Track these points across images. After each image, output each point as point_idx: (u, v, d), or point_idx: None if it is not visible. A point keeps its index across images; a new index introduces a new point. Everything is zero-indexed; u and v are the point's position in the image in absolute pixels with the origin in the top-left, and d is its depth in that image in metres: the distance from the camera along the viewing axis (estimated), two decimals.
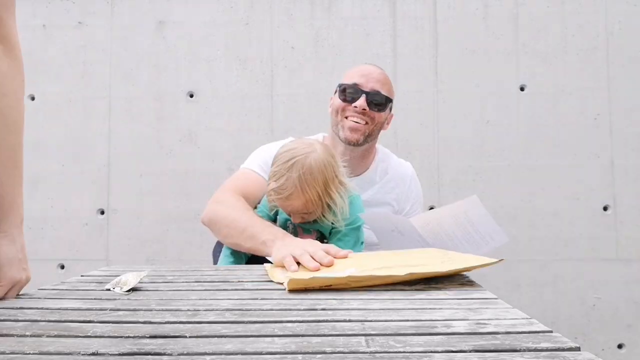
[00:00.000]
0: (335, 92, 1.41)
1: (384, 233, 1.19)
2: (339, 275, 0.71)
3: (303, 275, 0.73)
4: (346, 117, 1.35)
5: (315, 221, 1.12)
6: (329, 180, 1.05)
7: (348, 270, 0.74)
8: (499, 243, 1.11)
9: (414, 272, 0.72)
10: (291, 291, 0.70)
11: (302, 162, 1.03)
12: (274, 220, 1.23)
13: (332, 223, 1.10)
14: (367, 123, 1.34)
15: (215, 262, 1.40)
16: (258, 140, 2.03)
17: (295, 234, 1.15)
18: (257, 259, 1.16)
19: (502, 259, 0.79)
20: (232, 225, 1.16)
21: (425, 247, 1.11)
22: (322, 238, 1.15)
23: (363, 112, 1.32)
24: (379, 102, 1.34)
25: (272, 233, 1.07)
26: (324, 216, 1.09)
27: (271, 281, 0.80)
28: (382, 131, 1.42)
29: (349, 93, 1.34)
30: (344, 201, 1.08)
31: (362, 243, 1.18)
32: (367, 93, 1.33)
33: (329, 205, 1.07)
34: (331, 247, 0.92)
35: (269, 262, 1.09)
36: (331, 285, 0.71)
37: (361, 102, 1.32)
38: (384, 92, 1.35)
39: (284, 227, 1.17)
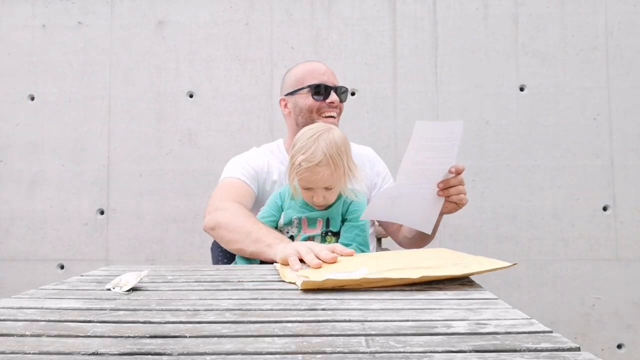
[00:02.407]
0: (294, 94, 1.46)
1: (386, 212, 1.20)
2: (352, 278, 0.72)
3: (316, 277, 0.73)
4: (321, 114, 1.42)
5: (327, 208, 1.16)
6: (349, 153, 1.14)
7: (360, 271, 0.75)
8: (460, 131, 1.12)
9: (427, 274, 0.72)
10: (303, 290, 0.70)
11: (327, 135, 1.12)
12: (277, 221, 1.23)
13: (351, 200, 1.16)
14: (337, 115, 1.45)
15: (214, 260, 1.41)
16: (258, 140, 2.04)
17: (300, 227, 1.16)
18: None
19: (515, 264, 0.79)
20: (237, 230, 1.16)
21: (424, 187, 1.15)
22: (327, 231, 1.15)
23: (335, 106, 1.43)
24: (343, 93, 1.46)
25: (277, 237, 1.09)
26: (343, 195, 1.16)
27: (271, 281, 0.80)
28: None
29: (319, 92, 1.43)
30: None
31: (367, 247, 1.20)
32: (334, 88, 1.43)
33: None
34: (337, 246, 0.95)
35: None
36: (344, 286, 0.71)
37: (334, 97, 1.42)
38: (341, 84, 1.48)
39: (290, 222, 1.17)
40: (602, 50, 2.02)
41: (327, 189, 1.12)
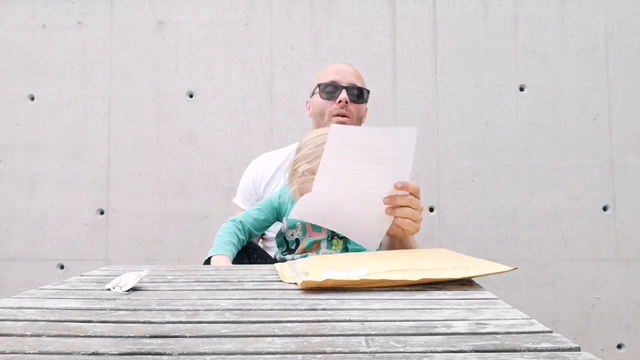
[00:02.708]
0: (312, 95, 1.47)
1: (321, 216, 1.07)
2: (352, 278, 0.72)
3: (316, 276, 0.73)
4: (333, 115, 1.40)
5: None
6: None
7: (360, 271, 0.75)
8: (413, 139, 0.96)
9: (427, 277, 0.73)
10: (303, 290, 0.70)
11: None
12: (276, 220, 1.23)
13: None
14: (350, 117, 1.41)
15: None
16: (258, 140, 2.04)
17: (305, 231, 1.15)
18: (243, 260, 1.18)
19: (515, 268, 0.79)
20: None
21: (369, 201, 1.00)
22: (333, 235, 1.15)
23: (343, 105, 1.40)
24: (358, 94, 1.43)
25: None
26: None
27: (271, 281, 0.80)
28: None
29: (329, 91, 1.41)
30: None
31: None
32: (346, 88, 1.40)
33: None
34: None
35: (269, 261, 1.09)
36: (344, 286, 0.72)
37: (343, 95, 1.39)
38: (360, 85, 1.45)
39: (294, 226, 1.17)
40: (602, 50, 2.02)
41: None
